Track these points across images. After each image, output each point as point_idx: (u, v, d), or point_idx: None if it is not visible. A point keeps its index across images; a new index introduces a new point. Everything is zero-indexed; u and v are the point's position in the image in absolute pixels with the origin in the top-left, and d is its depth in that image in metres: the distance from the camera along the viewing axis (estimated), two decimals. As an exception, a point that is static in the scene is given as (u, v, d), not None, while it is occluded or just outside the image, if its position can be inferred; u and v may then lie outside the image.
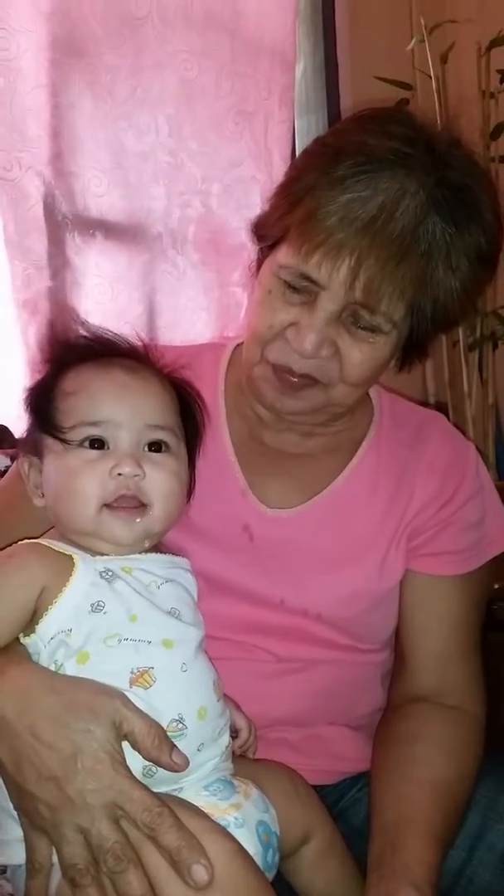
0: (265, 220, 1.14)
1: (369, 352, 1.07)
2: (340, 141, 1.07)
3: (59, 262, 1.87)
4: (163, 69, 1.90)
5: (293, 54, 2.08)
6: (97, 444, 0.96)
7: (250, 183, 2.03)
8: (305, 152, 1.13)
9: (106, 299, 1.97)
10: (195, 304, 2.09)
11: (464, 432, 1.31)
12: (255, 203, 2.04)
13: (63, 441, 0.96)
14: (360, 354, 1.07)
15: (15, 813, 0.88)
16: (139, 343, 1.06)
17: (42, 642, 0.91)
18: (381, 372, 1.13)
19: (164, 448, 0.98)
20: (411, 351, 1.14)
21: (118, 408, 0.96)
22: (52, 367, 1.03)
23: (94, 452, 0.95)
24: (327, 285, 1.03)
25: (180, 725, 0.90)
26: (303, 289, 1.06)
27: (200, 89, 1.97)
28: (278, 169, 2.06)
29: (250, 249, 1.73)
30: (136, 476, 0.94)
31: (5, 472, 1.28)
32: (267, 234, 1.12)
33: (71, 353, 1.03)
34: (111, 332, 1.06)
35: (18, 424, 1.67)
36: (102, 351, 1.03)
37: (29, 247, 1.81)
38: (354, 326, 1.06)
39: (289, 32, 2.05)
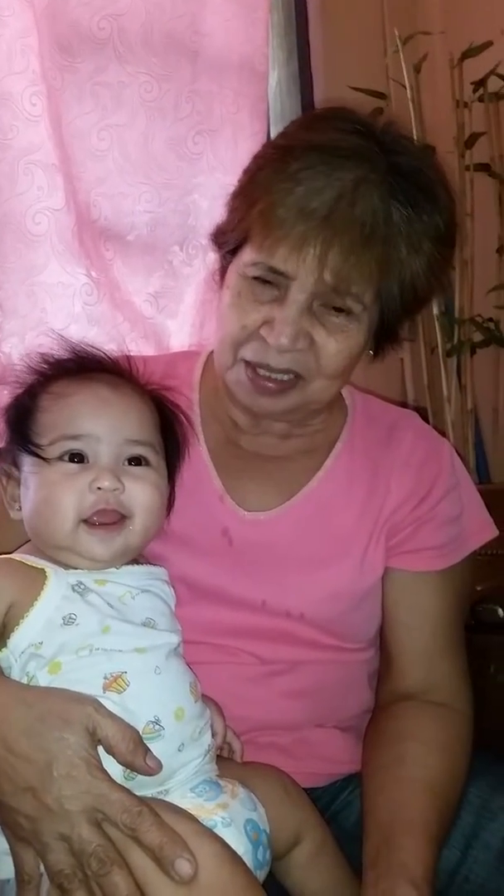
0: (224, 227, 1.15)
1: (344, 340, 1.08)
2: (289, 140, 1.10)
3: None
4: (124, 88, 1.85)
5: (265, 66, 2.07)
6: (77, 457, 0.95)
7: (220, 198, 1.99)
8: (256, 156, 1.15)
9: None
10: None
11: (444, 436, 1.31)
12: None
13: (42, 456, 0.95)
14: (335, 344, 1.08)
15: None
16: (120, 357, 1.06)
17: (13, 656, 0.91)
18: (356, 362, 1.14)
19: (143, 463, 0.98)
20: (384, 338, 1.15)
21: (98, 422, 0.96)
22: (32, 381, 1.02)
23: (74, 466, 0.95)
24: (295, 275, 1.04)
25: (157, 727, 0.90)
26: (273, 281, 1.06)
27: (168, 106, 1.92)
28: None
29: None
30: (115, 490, 0.94)
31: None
32: (228, 239, 1.13)
33: (51, 367, 1.03)
34: (91, 346, 1.06)
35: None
36: (83, 365, 1.03)
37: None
38: (327, 315, 1.07)
39: (260, 45, 2.04)
